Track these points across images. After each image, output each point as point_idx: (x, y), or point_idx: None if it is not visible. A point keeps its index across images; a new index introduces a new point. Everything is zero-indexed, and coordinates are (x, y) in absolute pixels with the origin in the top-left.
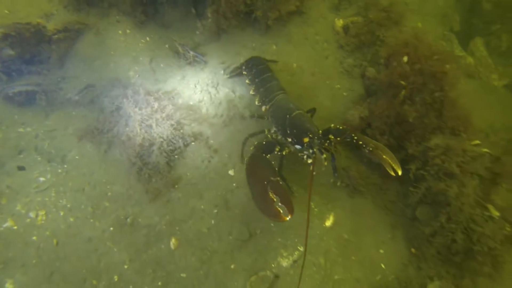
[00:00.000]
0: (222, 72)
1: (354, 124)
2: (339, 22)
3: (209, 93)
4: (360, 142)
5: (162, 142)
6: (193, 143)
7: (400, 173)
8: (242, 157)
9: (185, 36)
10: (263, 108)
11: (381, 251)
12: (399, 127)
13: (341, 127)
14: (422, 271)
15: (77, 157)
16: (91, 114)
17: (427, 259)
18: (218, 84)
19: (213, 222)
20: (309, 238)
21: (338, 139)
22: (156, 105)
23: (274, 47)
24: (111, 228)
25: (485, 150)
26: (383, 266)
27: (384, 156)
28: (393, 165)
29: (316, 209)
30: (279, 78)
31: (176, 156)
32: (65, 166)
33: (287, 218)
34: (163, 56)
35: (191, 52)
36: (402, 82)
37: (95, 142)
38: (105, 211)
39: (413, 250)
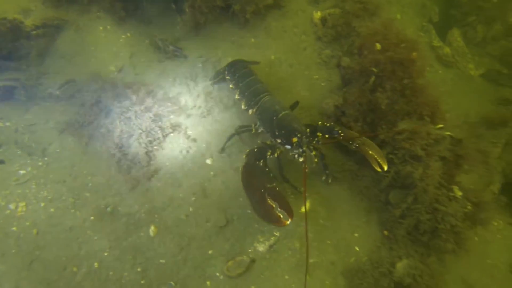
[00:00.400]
0: (209, 81)
1: (329, 112)
2: (317, 14)
3: (188, 85)
4: (347, 139)
5: (141, 133)
6: (171, 134)
7: (385, 168)
8: (223, 148)
9: (166, 31)
10: (250, 111)
11: (356, 234)
12: (372, 114)
13: (328, 124)
14: (393, 252)
15: (58, 150)
16: (71, 108)
17: (398, 240)
18: (196, 77)
19: (191, 209)
20: None
21: (326, 136)
22: (134, 98)
23: (253, 40)
24: (92, 217)
25: (448, 133)
26: (357, 248)
27: (370, 152)
28: (379, 160)
29: (292, 196)
30: (259, 74)
31: (155, 147)
32: (46, 159)
33: (288, 222)
34: (143, 51)
35: (171, 47)
36: (374, 69)
37: (76, 135)
38: (86, 201)
39: (385, 232)
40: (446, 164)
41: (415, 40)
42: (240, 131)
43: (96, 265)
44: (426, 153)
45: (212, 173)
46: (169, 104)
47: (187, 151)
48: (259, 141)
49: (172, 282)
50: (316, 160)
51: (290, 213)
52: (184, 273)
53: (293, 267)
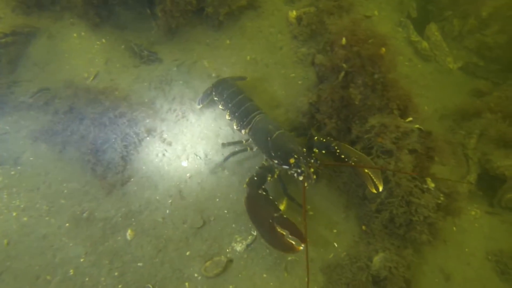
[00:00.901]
0: (197, 105)
1: (303, 109)
2: (293, 14)
3: (163, 90)
4: (343, 156)
5: (115, 138)
6: (147, 138)
7: (381, 189)
8: (223, 162)
9: (141, 36)
10: (243, 131)
11: (335, 230)
12: (346, 110)
13: (324, 140)
14: (370, 246)
15: (31, 158)
16: (45, 116)
17: (375, 234)
18: (171, 80)
19: (167, 211)
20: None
21: (323, 151)
22: (108, 103)
23: (228, 41)
24: (67, 224)
25: (417, 126)
26: (336, 244)
27: (366, 170)
28: (375, 179)
29: (270, 197)
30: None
31: (131, 151)
32: (19, 167)
33: (301, 248)
34: (119, 57)
35: (146, 52)
36: (343, 65)
37: (49, 143)
38: (61, 208)
39: (363, 227)
40: (417, 157)
41: (385, 35)
42: (236, 152)
43: (71, 272)
44: (397, 147)
45: (188, 175)
46: (144, 108)
47: (163, 154)
48: (257, 167)
49: (150, 285)
50: (315, 177)
51: (301, 238)
52: (162, 275)
53: (271, 266)
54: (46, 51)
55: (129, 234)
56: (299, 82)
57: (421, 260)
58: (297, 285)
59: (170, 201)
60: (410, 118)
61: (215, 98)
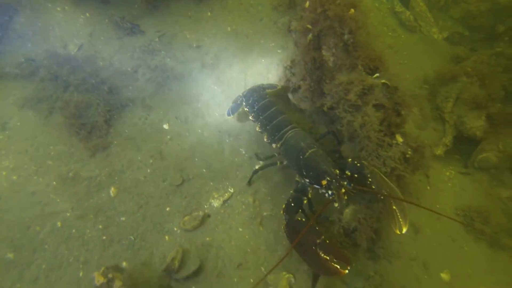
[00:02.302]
0: (227, 116)
1: (279, 74)
2: None
3: (145, 60)
4: (373, 186)
5: (98, 103)
6: (130, 103)
7: (404, 231)
8: (249, 182)
9: (124, 10)
10: (274, 145)
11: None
12: (319, 72)
13: (358, 164)
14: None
15: (18, 123)
16: (30, 85)
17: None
18: (153, 50)
19: (149, 170)
20: (239, 180)
21: (355, 175)
22: (90, 71)
23: (209, 13)
24: (54, 182)
25: (383, 81)
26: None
27: (394, 207)
28: (401, 220)
29: (246, 155)
30: (213, 46)
31: (114, 116)
32: (7, 132)
33: (347, 271)
34: (103, 30)
35: (129, 24)
36: (309, 26)
37: (36, 109)
38: (48, 168)
39: None
40: (386, 111)
41: None
42: (264, 166)
43: (59, 224)
44: (363, 101)
45: (168, 137)
46: (124, 76)
47: (146, 118)
48: (291, 191)
49: (132, 237)
50: (346, 197)
51: (346, 260)
52: (143, 228)
53: (246, 220)
54: (30, 24)
55: (112, 191)
56: (278, 51)
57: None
58: (272, 238)
59: (151, 161)
60: (377, 74)
61: (245, 109)
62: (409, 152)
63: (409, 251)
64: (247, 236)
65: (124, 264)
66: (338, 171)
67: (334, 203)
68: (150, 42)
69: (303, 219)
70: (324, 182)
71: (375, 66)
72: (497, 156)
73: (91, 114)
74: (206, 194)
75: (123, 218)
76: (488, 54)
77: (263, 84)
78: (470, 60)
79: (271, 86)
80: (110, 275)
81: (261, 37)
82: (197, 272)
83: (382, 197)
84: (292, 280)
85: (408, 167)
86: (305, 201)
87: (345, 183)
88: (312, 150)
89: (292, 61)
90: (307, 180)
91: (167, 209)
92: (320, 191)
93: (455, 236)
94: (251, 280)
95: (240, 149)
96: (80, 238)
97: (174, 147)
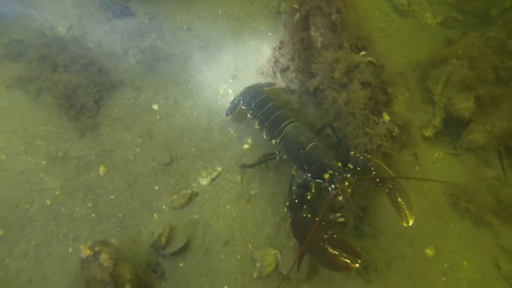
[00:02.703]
0: (226, 117)
1: (267, 54)
2: None
3: (135, 41)
4: (377, 180)
5: (88, 84)
6: (120, 84)
7: (411, 223)
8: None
9: None
10: (273, 141)
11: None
12: (307, 52)
13: (361, 157)
14: None
15: (6, 104)
16: (18, 66)
17: None
18: (144, 32)
19: (138, 150)
20: (228, 159)
21: (358, 168)
22: (80, 52)
23: None
24: (43, 162)
25: (369, 58)
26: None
27: (399, 200)
28: (407, 212)
29: (235, 134)
30: (204, 29)
31: (104, 97)
32: None
33: (357, 265)
34: (92, 12)
35: (119, 6)
36: (296, 6)
37: (24, 90)
38: (37, 148)
39: None
40: (372, 90)
41: None
42: (264, 160)
43: (48, 202)
44: (348, 78)
45: (158, 117)
46: (113, 58)
47: (135, 99)
48: (294, 188)
49: (120, 215)
50: (349, 190)
51: (356, 254)
52: (132, 206)
53: (234, 198)
54: (17, 5)
55: (101, 170)
56: (269, 33)
57: (377, 193)
58: (259, 216)
59: (140, 140)
60: (363, 52)
61: (243, 107)
62: (396, 130)
63: (396, 228)
64: (234, 214)
65: (113, 241)
66: (340, 164)
67: (339, 197)
68: (141, 24)
69: (309, 215)
70: (326, 176)
71: (363, 46)
72: (485, 137)
73: (81, 94)
74: (195, 172)
75: (112, 197)
76: (478, 36)
77: (260, 83)
78: (460, 43)
79: (268, 84)
80: (96, 248)
81: (252, 20)
82: (184, 249)
83: (387, 190)
84: (279, 256)
85: (395, 145)
86: (308, 196)
87: (348, 175)
88: (313, 143)
89: (281, 42)
90: (309, 175)
91: (156, 187)
92: (322, 185)
93: (441, 214)
94: (238, 257)
95: (229, 129)
96: (69, 215)
97: (163, 127)
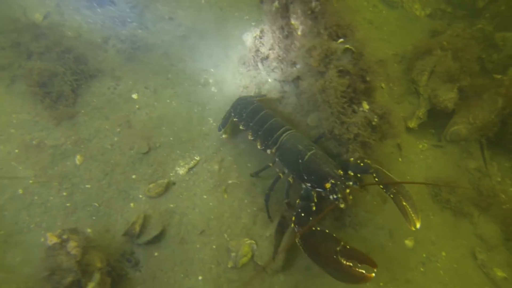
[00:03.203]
0: (218, 131)
1: (248, 44)
2: None
3: (115, 30)
4: (381, 186)
5: (65, 72)
6: (99, 73)
7: (418, 226)
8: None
9: None
10: (268, 151)
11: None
12: (288, 40)
13: (361, 163)
14: None
15: None
16: None
17: None
18: (124, 21)
19: (116, 139)
20: (206, 148)
21: (359, 175)
22: (56, 39)
23: None
24: (16, 150)
25: (347, 46)
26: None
27: (404, 203)
28: (413, 215)
29: (214, 124)
30: (189, 19)
31: (82, 86)
32: None
33: (373, 274)
34: (73, 0)
35: None
36: None
37: None
38: (10, 136)
39: None
40: (351, 78)
41: None
42: (260, 171)
43: (20, 191)
44: (324, 65)
45: (137, 106)
46: (92, 46)
47: (115, 88)
48: (298, 200)
49: (96, 204)
50: (351, 197)
51: (371, 263)
52: (109, 196)
53: (211, 188)
54: None
55: (78, 159)
56: (253, 23)
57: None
58: (236, 205)
59: (118, 129)
60: (341, 40)
61: (234, 119)
62: (375, 119)
63: (376, 220)
64: (211, 203)
65: (88, 230)
66: (341, 172)
67: (340, 205)
68: (121, 12)
69: (318, 228)
70: (328, 185)
71: (343, 33)
72: (467, 129)
73: (57, 83)
74: (172, 162)
75: (88, 186)
76: (462, 27)
77: (250, 95)
78: (446, 34)
79: (259, 95)
80: (65, 236)
81: (235, 10)
82: (159, 238)
83: (391, 196)
84: (254, 246)
85: (374, 134)
86: (313, 207)
87: (351, 183)
88: (311, 152)
89: (261, 31)
90: (309, 185)
91: (133, 176)
92: (323, 194)
93: (422, 206)
94: (214, 247)
95: (209, 119)
96: (42, 204)
97: (142, 116)
